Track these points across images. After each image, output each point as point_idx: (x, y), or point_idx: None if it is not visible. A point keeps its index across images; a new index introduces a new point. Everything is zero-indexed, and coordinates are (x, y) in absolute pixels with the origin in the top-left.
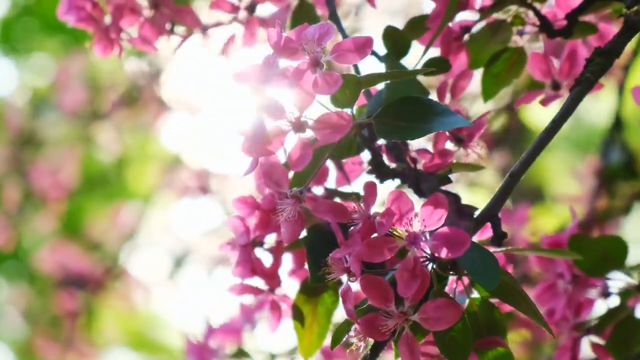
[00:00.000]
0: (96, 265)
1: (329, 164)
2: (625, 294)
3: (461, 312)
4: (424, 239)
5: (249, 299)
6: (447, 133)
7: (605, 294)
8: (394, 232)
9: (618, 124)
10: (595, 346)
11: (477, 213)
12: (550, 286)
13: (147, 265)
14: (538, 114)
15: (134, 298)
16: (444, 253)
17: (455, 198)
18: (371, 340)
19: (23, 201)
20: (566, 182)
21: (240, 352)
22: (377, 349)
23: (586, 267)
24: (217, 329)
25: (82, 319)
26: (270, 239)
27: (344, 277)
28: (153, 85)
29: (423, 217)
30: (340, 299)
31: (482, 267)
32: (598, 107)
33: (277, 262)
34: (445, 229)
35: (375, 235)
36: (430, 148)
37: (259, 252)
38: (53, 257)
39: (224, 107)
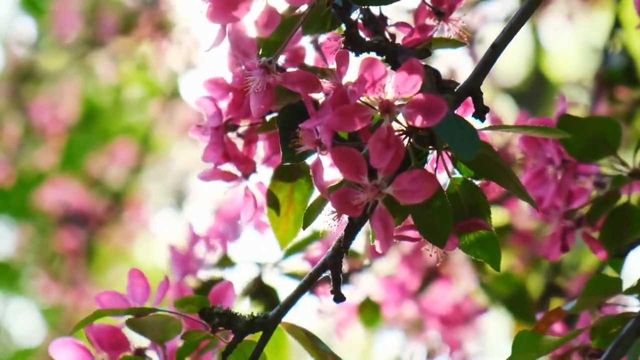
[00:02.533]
0: (97, 202)
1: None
2: (617, 180)
3: (438, 184)
4: (397, 106)
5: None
6: (427, 7)
7: (599, 183)
8: (368, 103)
9: (617, 28)
10: (586, 237)
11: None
12: (539, 172)
13: (149, 202)
14: None
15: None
16: (419, 121)
17: (434, 72)
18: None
19: (23, 137)
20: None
21: (226, 260)
22: (351, 231)
23: (576, 151)
24: (202, 236)
25: (83, 257)
26: (245, 124)
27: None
28: (151, 11)
29: (397, 84)
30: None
31: (461, 136)
32: None
33: (251, 147)
34: (420, 96)
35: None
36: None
37: (232, 138)
38: (53, 193)
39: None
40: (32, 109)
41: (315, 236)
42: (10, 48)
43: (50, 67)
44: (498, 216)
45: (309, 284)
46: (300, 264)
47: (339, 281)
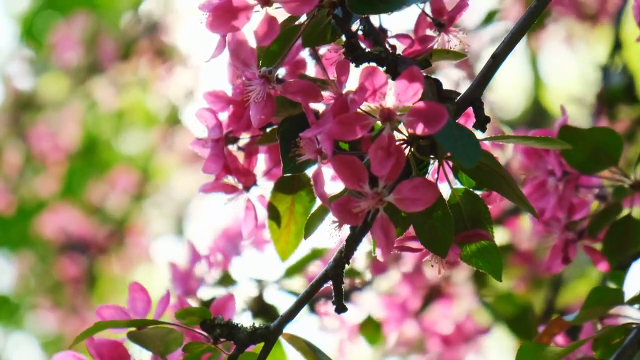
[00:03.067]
0: (98, 229)
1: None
2: (619, 192)
3: (439, 192)
4: (398, 114)
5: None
6: (428, 19)
7: (601, 195)
8: (369, 112)
9: (618, 47)
10: (588, 249)
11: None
12: (540, 184)
13: (150, 229)
14: None
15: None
16: (420, 129)
17: (435, 82)
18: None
19: (23, 165)
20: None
21: (227, 278)
22: (352, 241)
23: (577, 162)
24: (203, 255)
25: (85, 285)
26: (245, 137)
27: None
28: (151, 38)
29: (398, 92)
30: (312, 182)
31: (462, 144)
32: None
33: (251, 159)
34: (421, 104)
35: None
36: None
37: (233, 150)
38: (54, 221)
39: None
40: (32, 137)
41: (315, 254)
42: (10, 77)
43: (50, 95)
44: (499, 236)
45: (310, 295)
46: (301, 283)
47: (340, 292)
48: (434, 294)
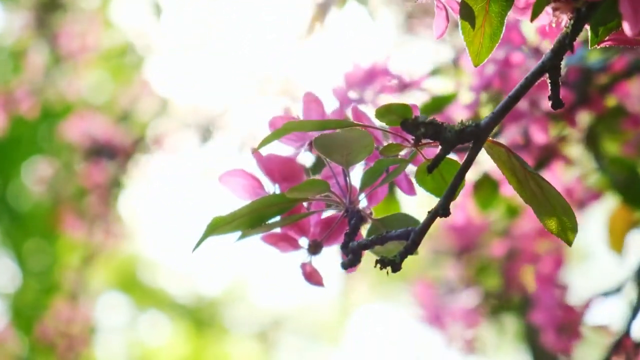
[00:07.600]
0: (125, 135)
1: None
2: None
3: None
4: None
5: None
6: None
7: None
8: None
9: None
10: None
11: None
12: None
13: (176, 137)
14: None
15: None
16: None
17: None
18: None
19: (49, 67)
20: None
21: None
22: (580, 21)
23: None
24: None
25: (110, 192)
26: None
27: None
28: None
29: None
30: None
31: None
32: None
33: None
34: None
35: None
36: None
37: None
38: (80, 126)
39: None
40: (59, 38)
41: (448, 98)
42: None
43: None
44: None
45: (523, 91)
46: None
47: (558, 85)
48: (547, 155)
